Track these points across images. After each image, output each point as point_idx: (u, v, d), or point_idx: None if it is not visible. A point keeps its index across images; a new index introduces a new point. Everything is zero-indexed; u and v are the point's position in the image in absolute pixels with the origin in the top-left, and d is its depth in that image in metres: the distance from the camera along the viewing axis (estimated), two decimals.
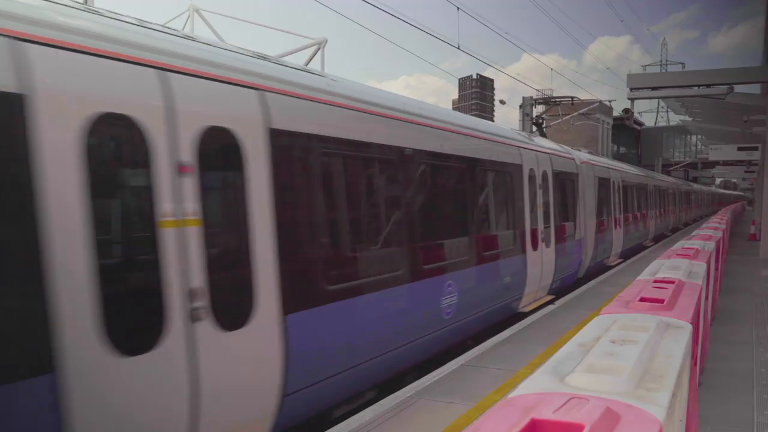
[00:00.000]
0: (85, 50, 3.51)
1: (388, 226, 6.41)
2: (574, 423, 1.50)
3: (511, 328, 8.37)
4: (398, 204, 6.55)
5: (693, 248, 6.63)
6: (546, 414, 1.57)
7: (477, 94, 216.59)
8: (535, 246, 10.13)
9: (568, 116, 39.10)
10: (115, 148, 3.85)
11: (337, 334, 5.34)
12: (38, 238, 3.15)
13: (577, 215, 12.85)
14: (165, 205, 3.81)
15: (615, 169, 17.52)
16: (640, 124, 71.71)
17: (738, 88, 17.88)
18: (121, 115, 3.61)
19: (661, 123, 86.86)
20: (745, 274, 13.75)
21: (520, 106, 31.19)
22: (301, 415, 5.02)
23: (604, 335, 2.50)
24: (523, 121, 30.53)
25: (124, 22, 4.07)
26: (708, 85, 16.88)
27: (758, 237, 20.38)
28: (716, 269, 8.67)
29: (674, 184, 33.07)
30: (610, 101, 63.42)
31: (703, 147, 57.02)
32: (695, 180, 66.33)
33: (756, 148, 26.66)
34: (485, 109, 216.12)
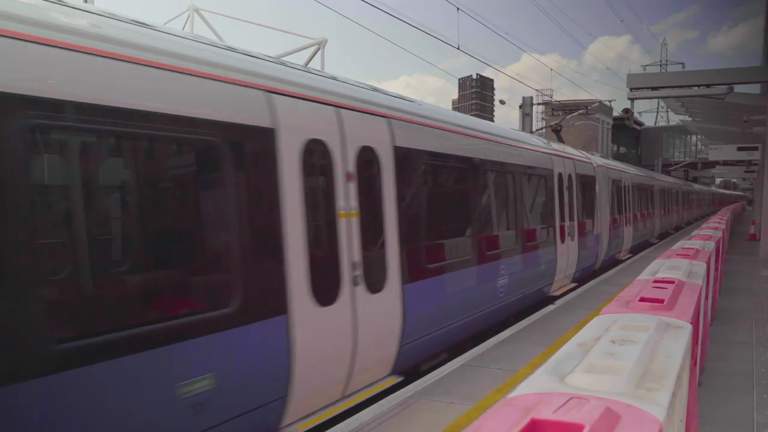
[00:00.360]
0: (302, 97, 5.25)
1: (466, 221, 8.21)
2: (574, 423, 1.50)
3: (511, 328, 8.38)
4: (473, 204, 8.40)
5: (693, 248, 6.63)
6: (546, 414, 1.57)
7: (477, 94, 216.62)
8: (563, 239, 11.81)
9: (569, 116, 39.09)
10: (316, 163, 5.31)
11: (433, 302, 6.97)
12: (281, 223, 4.76)
13: (594, 213, 14.45)
14: (340, 202, 5.46)
15: (625, 172, 19.11)
16: (640, 124, 71.73)
17: (738, 88, 17.89)
18: (319, 140, 5.28)
19: (661, 123, 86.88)
20: (745, 274, 13.75)
21: (520, 106, 31.22)
22: (409, 361, 6.54)
23: (604, 335, 2.50)
24: (522, 120, 30.57)
25: (314, 73, 5.93)
26: (708, 85, 16.88)
27: (758, 237, 20.39)
28: (716, 269, 8.67)
29: (677, 184, 34.58)
30: (610, 101, 63.46)
31: (703, 147, 57.04)
32: (695, 180, 66.38)
33: (756, 148, 26.66)
34: (485, 109, 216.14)
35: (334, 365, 5.31)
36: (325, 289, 5.14)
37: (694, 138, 61.81)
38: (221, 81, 4.44)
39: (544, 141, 12.97)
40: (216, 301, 4.31)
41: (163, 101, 3.98)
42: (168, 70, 4.06)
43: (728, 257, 15.38)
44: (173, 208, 4.49)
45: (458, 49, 18.19)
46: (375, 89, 6.95)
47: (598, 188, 14.91)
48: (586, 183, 13.92)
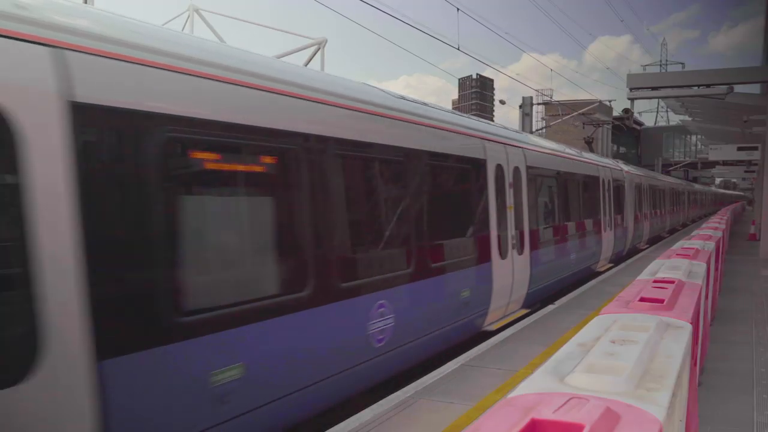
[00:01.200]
0: (491, 140, 8.92)
1: (561, 213, 12.13)
2: (574, 423, 1.50)
3: (511, 327, 8.38)
4: (564, 201, 12.37)
5: (693, 248, 6.62)
6: (546, 414, 1.57)
7: (477, 94, 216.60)
8: (604, 229, 15.33)
9: (569, 116, 39.09)
10: (498, 178, 8.91)
11: (544, 264, 10.54)
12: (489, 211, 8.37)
13: (623, 210, 17.91)
14: (509, 200, 9.10)
15: (644, 176, 23.02)
16: (640, 124, 71.71)
17: (738, 88, 17.89)
18: (500, 165, 8.95)
19: (661, 123, 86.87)
20: (745, 274, 13.75)
21: (520, 106, 31.22)
22: (532, 302, 10.07)
23: (604, 335, 2.50)
24: (522, 120, 30.57)
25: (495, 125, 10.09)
26: (708, 85, 16.88)
27: (758, 237, 20.39)
28: (716, 269, 8.67)
29: (684, 185, 38.67)
30: (610, 101, 63.41)
31: (702, 147, 57.03)
32: (695, 180, 66.42)
33: (756, 148, 26.66)
34: (485, 109, 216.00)
35: (504, 294, 8.74)
36: (498, 251, 8.54)
37: (694, 138, 61.81)
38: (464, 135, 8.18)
39: (595, 155, 18.10)
40: (477, 252, 7.99)
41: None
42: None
43: (728, 257, 15.37)
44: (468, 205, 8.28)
45: (458, 49, 18.19)
46: (516, 131, 11.46)
47: (627, 190, 18.47)
48: (619, 186, 17.51)
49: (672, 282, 3.95)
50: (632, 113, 43.24)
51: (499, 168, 8.87)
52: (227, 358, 4.10)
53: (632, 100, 31.97)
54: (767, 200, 18.41)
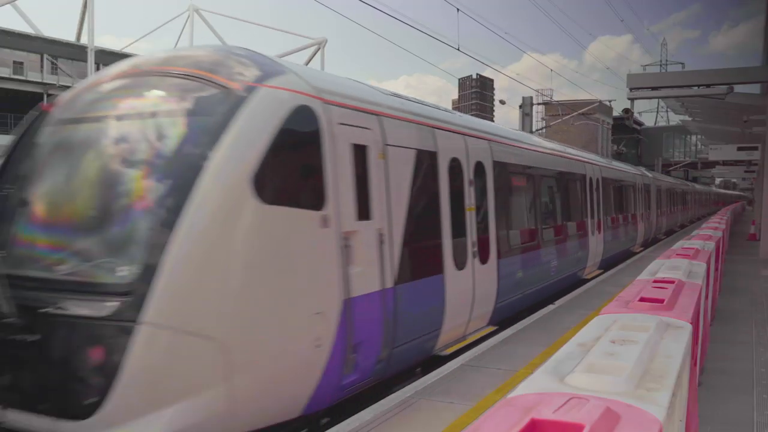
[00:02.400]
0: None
1: (621, 211, 16.87)
2: (574, 423, 1.50)
3: (511, 327, 8.37)
4: (614, 200, 16.24)
5: (693, 248, 6.62)
6: (546, 414, 1.57)
7: (477, 94, 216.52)
8: (640, 222, 20.07)
9: (568, 116, 39.09)
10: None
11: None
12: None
13: (650, 207, 22.51)
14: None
15: (662, 180, 28.34)
16: (640, 124, 71.68)
17: (738, 88, 17.88)
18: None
19: (661, 123, 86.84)
20: (745, 274, 13.75)
21: (520, 106, 31.20)
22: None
23: (604, 335, 2.50)
24: (522, 120, 30.52)
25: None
26: (708, 85, 16.88)
27: (758, 237, 20.38)
28: (716, 269, 8.67)
29: (689, 187, 42.75)
30: (610, 101, 63.44)
31: (702, 147, 57.04)
32: (695, 180, 66.47)
33: (756, 148, 26.66)
34: (485, 109, 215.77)
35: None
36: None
37: (694, 138, 61.81)
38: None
39: (636, 167, 24.02)
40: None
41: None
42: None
43: (728, 257, 15.37)
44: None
45: (458, 50, 18.19)
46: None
47: (652, 192, 23.23)
48: (648, 190, 22.32)
49: (672, 282, 3.95)
50: (632, 113, 43.24)
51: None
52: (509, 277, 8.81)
53: (632, 100, 31.96)
54: (767, 200, 18.41)
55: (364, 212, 5.51)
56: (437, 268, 6.79)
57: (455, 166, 7.37)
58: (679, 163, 62.88)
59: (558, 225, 11.36)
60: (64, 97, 5.42)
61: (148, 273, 3.94)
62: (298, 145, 4.90)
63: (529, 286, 9.69)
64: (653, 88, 19.10)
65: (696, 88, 17.39)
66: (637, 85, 18.40)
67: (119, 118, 4.76)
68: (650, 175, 24.67)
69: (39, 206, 4.73)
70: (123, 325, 3.87)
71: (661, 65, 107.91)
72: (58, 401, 3.93)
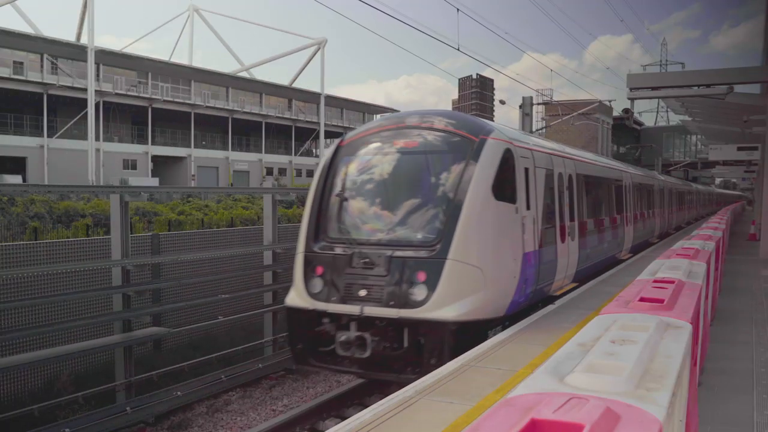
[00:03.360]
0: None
1: (645, 208, 20.91)
2: (574, 423, 1.50)
3: (511, 327, 8.37)
4: (637, 201, 19.39)
5: (693, 248, 6.62)
6: (546, 414, 1.57)
7: (477, 94, 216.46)
8: (657, 218, 23.30)
9: (568, 116, 39.06)
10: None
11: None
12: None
13: (663, 206, 25.52)
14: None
15: (673, 182, 31.66)
16: (640, 124, 71.65)
17: (738, 88, 17.87)
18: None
19: (661, 123, 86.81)
20: (745, 274, 13.76)
21: (520, 106, 31.16)
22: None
23: (604, 335, 2.50)
24: (522, 120, 30.48)
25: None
26: (708, 85, 16.86)
27: (758, 237, 20.38)
28: (716, 269, 8.67)
29: (694, 187, 45.81)
30: (610, 101, 63.42)
31: (702, 147, 57.04)
32: (695, 180, 66.53)
33: (756, 148, 26.66)
34: (485, 109, 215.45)
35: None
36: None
37: (694, 138, 61.79)
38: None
39: (654, 172, 29.01)
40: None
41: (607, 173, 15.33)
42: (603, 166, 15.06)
43: (728, 257, 15.37)
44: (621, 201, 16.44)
45: (458, 50, 18.18)
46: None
47: (665, 193, 26.48)
48: (662, 191, 25.60)
49: (672, 282, 3.95)
50: (632, 113, 43.22)
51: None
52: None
53: (632, 100, 31.97)
54: (767, 200, 18.41)
55: (528, 205, 8.87)
56: (555, 241, 10.26)
57: (560, 177, 10.88)
58: (679, 163, 62.89)
59: (610, 217, 15.15)
60: (352, 136, 9.06)
61: (449, 236, 7.51)
62: (507, 169, 8.32)
63: (593, 260, 12.97)
64: (653, 88, 19.10)
65: (696, 88, 17.38)
66: (637, 85, 18.40)
67: (409, 152, 8.36)
68: (663, 178, 28.74)
69: (367, 203, 8.38)
70: (439, 260, 7.45)
71: (661, 65, 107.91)
72: (403, 299, 7.43)
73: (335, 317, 7.71)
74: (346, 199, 8.33)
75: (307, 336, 7.93)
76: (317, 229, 8.29)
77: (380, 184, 8.38)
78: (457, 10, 17.64)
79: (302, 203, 34.49)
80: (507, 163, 8.30)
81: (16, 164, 43.94)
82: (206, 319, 10.70)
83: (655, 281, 4.03)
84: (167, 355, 10.78)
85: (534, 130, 32.56)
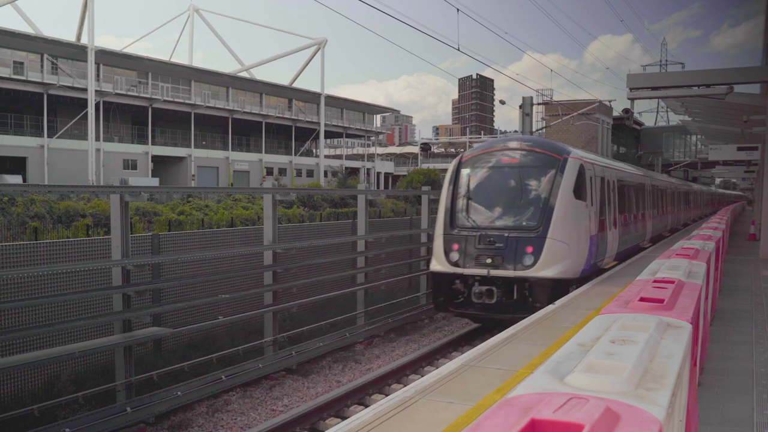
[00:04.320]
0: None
1: (670, 206, 26.91)
2: (574, 423, 1.50)
3: (511, 327, 8.38)
4: (669, 201, 26.66)
5: (693, 248, 6.62)
6: (546, 414, 1.57)
7: (477, 94, 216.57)
8: (669, 215, 26.07)
9: (568, 116, 39.05)
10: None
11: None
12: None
13: (673, 205, 28.57)
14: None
15: (681, 184, 36.10)
16: (640, 124, 71.63)
17: (738, 88, 17.88)
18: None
19: (661, 123, 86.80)
20: (745, 274, 13.76)
21: (520, 107, 31.15)
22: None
23: (604, 335, 2.50)
24: (522, 120, 30.46)
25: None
26: (708, 85, 16.88)
27: (758, 237, 20.39)
28: (716, 269, 8.67)
29: (697, 188, 48.78)
30: (609, 101, 63.39)
31: (702, 147, 57.02)
32: (695, 180, 66.57)
33: (756, 148, 26.67)
34: (485, 109, 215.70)
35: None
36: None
37: (694, 138, 61.78)
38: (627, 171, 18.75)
39: (664, 175, 34.89)
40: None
41: (634, 178, 18.94)
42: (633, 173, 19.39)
43: (728, 257, 15.38)
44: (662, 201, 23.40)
45: (458, 50, 18.19)
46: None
47: (675, 194, 29.70)
48: (673, 192, 28.92)
49: (672, 282, 3.95)
50: (632, 113, 43.28)
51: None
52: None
53: (632, 100, 31.98)
54: (767, 200, 18.41)
55: (591, 202, 12.28)
56: (606, 229, 13.38)
57: (608, 183, 14.01)
58: (679, 163, 62.88)
59: (639, 213, 18.40)
60: (469, 154, 12.93)
61: (547, 223, 11.14)
62: (580, 177, 11.85)
63: (627, 245, 16.02)
64: (653, 88, 19.12)
65: (696, 88, 17.39)
66: (637, 85, 18.42)
67: (514, 166, 12.06)
68: (674, 181, 33.37)
69: (487, 201, 12.05)
70: (541, 238, 11.08)
71: (661, 65, 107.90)
72: (516, 264, 11.09)
73: (465, 278, 11.51)
74: (470, 198, 12.15)
75: (446, 291, 11.75)
76: (452, 219, 12.02)
77: (495, 187, 12.16)
78: (457, 10, 17.66)
79: (302, 203, 34.74)
80: (580, 173, 11.93)
81: (17, 164, 43.97)
82: (206, 319, 10.70)
83: (655, 281, 4.03)
84: (167, 355, 10.78)
85: (534, 130, 32.55)
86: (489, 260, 11.28)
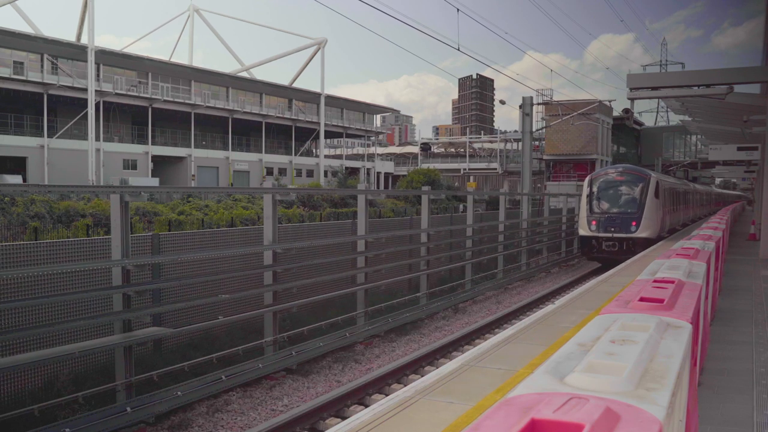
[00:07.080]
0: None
1: (692, 206, 37.71)
2: (574, 423, 1.50)
3: (511, 327, 8.38)
4: (695, 202, 39.38)
5: (693, 248, 6.62)
6: (546, 414, 1.57)
7: (477, 94, 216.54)
8: (691, 209, 35.62)
9: (568, 116, 39.06)
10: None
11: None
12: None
13: (690, 202, 34.76)
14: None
15: (694, 187, 41.64)
16: (640, 124, 71.61)
17: (738, 88, 17.88)
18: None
19: (661, 123, 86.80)
20: (745, 274, 13.76)
21: (520, 107, 31.14)
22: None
23: (604, 335, 2.50)
24: (522, 120, 30.45)
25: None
26: (708, 85, 16.87)
27: (758, 237, 20.40)
28: (716, 269, 8.67)
29: (704, 188, 54.21)
30: (610, 101, 63.39)
31: (702, 147, 57.06)
32: (695, 180, 66.64)
33: (756, 148, 26.68)
34: (485, 109, 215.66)
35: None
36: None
37: (694, 138, 61.80)
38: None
39: (708, 185, 63.51)
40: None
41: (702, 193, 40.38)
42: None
43: (728, 257, 15.38)
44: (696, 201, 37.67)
45: (458, 50, 18.18)
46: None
47: (691, 195, 35.31)
48: (705, 195, 42.92)
49: (672, 282, 3.95)
50: (632, 113, 43.31)
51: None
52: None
53: (632, 100, 32.01)
54: (767, 200, 18.42)
55: (662, 200, 23.24)
56: (666, 214, 23.55)
57: (668, 189, 23.93)
58: (679, 163, 62.91)
59: (680, 207, 27.57)
60: (596, 174, 24.45)
61: (641, 210, 22.45)
62: (657, 187, 22.84)
63: (673, 225, 25.67)
64: (653, 88, 19.11)
65: (696, 88, 17.38)
66: (637, 85, 18.42)
67: (622, 182, 23.35)
68: (698, 186, 43.22)
69: (609, 199, 23.24)
70: (639, 217, 22.53)
71: (661, 65, 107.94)
72: (627, 230, 22.48)
73: (599, 239, 22.44)
74: (599, 199, 22.86)
75: (588, 246, 22.99)
76: (590, 207, 22.93)
77: (613, 191, 22.91)
78: (457, 10, 17.67)
79: (302, 203, 34.80)
80: (657, 185, 22.42)
81: (17, 164, 43.97)
82: (206, 319, 10.70)
83: (655, 281, 4.03)
84: (167, 355, 10.78)
85: (534, 130, 32.54)
86: (612, 229, 22.13)
